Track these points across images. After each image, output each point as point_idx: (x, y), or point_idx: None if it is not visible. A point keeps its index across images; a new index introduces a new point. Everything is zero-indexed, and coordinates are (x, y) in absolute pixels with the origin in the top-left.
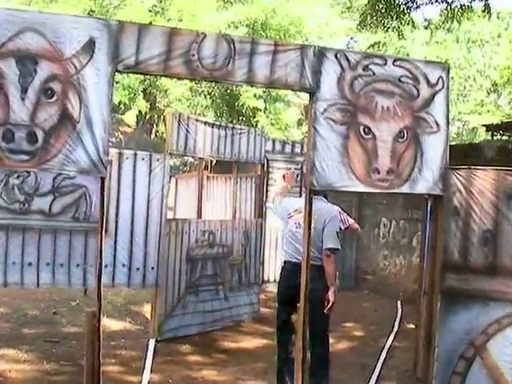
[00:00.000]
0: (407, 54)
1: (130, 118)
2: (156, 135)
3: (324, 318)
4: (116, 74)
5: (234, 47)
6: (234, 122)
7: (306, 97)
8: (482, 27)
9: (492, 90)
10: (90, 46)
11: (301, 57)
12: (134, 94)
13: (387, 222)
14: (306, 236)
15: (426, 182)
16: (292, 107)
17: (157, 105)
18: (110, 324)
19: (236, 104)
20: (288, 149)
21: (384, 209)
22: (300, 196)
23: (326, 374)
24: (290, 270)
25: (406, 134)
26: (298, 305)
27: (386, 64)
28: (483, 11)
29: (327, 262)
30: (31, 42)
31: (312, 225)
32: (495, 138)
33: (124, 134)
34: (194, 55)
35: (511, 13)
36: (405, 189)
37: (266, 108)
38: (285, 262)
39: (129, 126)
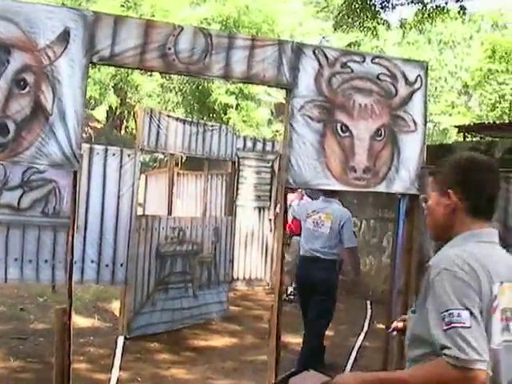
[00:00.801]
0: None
1: (100, 113)
2: (126, 131)
3: (330, 306)
4: (90, 66)
5: (211, 41)
6: (205, 118)
7: (277, 95)
8: (454, 29)
9: (463, 91)
10: (64, 37)
11: (278, 52)
12: (105, 89)
13: (358, 221)
14: (280, 231)
15: (402, 181)
16: (263, 106)
17: (127, 100)
18: (78, 321)
19: (207, 100)
20: (259, 147)
21: (354, 208)
22: (317, 199)
23: (321, 352)
24: (308, 263)
25: (383, 133)
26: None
27: (364, 61)
28: (458, 13)
29: (350, 257)
30: (4, 31)
31: (328, 224)
32: (467, 139)
33: (94, 130)
34: (170, 48)
35: (483, 15)
36: (381, 188)
37: (238, 105)
38: (301, 256)
39: (99, 121)
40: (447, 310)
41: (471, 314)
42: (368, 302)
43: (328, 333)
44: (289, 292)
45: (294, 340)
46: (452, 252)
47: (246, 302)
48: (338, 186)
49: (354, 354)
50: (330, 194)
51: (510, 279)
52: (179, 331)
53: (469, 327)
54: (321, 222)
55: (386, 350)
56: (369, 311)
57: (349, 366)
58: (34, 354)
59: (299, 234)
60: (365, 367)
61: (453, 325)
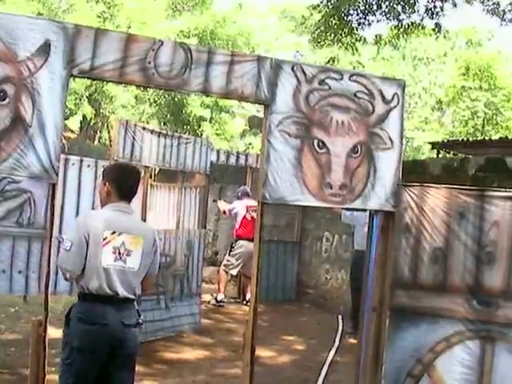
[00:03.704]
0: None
1: (74, 123)
2: (99, 141)
3: None
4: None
5: (191, 56)
6: (179, 131)
7: (250, 108)
8: (428, 45)
9: (436, 107)
10: (45, 49)
11: (257, 68)
12: (80, 100)
13: (330, 236)
14: (257, 246)
15: (378, 198)
16: (237, 118)
17: (101, 111)
18: (50, 332)
19: (182, 112)
20: (232, 160)
21: (327, 223)
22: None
23: None
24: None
25: (359, 150)
26: None
27: (342, 79)
28: (433, 30)
29: None
30: None
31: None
32: (440, 155)
33: (67, 139)
34: (150, 62)
35: (457, 32)
36: (357, 204)
37: (211, 118)
38: (357, 251)
39: (72, 131)
40: (66, 238)
41: (72, 244)
42: (339, 317)
43: (299, 347)
44: (219, 299)
45: (265, 353)
46: (92, 211)
47: (217, 314)
48: (314, 202)
49: (325, 368)
50: None
51: (128, 232)
52: (151, 343)
53: (68, 250)
54: None
55: (357, 364)
56: (340, 326)
57: (320, 381)
58: (4, 364)
59: (247, 239)
60: (336, 382)
61: (61, 246)
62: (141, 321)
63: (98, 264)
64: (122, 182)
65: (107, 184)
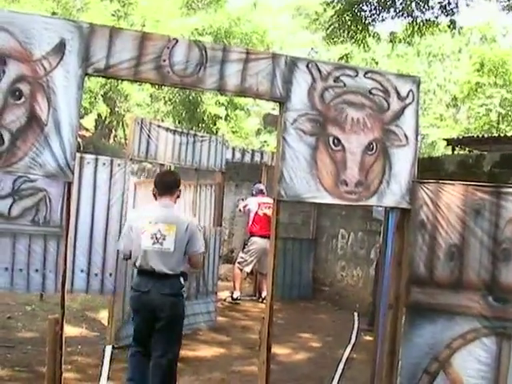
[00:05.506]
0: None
1: (89, 121)
2: (114, 140)
3: None
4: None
5: (206, 54)
6: (194, 128)
7: (265, 106)
8: (442, 42)
9: (451, 104)
10: (60, 48)
11: (272, 66)
12: (95, 98)
13: (345, 233)
14: (272, 243)
15: (393, 195)
16: (252, 116)
17: (116, 109)
18: (66, 330)
19: (197, 110)
20: (248, 157)
21: (342, 220)
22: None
23: None
24: None
25: (375, 147)
26: None
27: (357, 76)
28: (449, 26)
29: None
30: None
31: None
32: (455, 152)
33: (82, 138)
34: (165, 61)
35: (472, 29)
36: (373, 201)
37: (227, 115)
38: None
39: (87, 129)
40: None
41: (124, 233)
42: (355, 314)
43: (315, 344)
44: (235, 297)
45: (281, 351)
46: (137, 208)
47: (233, 312)
48: (330, 200)
49: (341, 365)
50: None
51: (163, 221)
52: None
53: (122, 237)
54: None
55: (373, 362)
56: (356, 323)
57: (336, 378)
58: (21, 362)
59: (260, 236)
60: (352, 379)
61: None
62: (182, 292)
63: (140, 247)
64: (159, 183)
65: (153, 187)
